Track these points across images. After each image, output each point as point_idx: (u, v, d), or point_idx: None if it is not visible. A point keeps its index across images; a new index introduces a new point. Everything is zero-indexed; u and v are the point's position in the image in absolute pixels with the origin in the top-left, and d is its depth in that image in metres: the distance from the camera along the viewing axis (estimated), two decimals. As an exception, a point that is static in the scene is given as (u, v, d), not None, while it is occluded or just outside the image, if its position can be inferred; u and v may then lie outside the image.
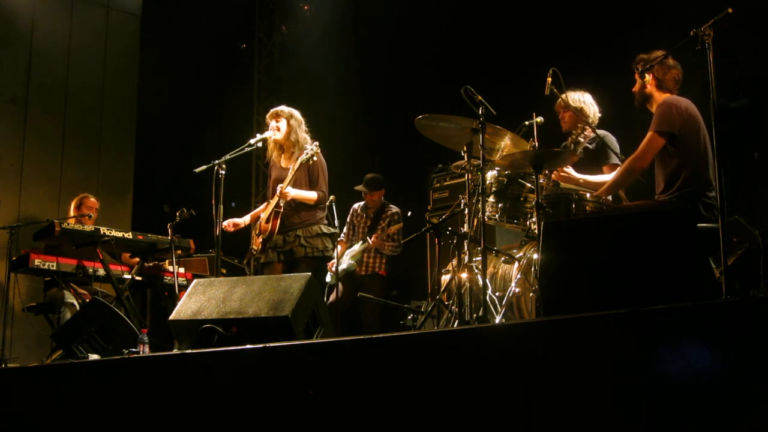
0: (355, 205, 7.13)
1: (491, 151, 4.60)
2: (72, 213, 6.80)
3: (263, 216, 5.41)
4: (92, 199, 6.91)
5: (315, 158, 5.27)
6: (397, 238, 7.00)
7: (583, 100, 5.01)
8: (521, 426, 2.55)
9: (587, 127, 4.71)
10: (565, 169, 4.63)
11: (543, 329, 2.72)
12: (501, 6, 7.55)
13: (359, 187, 7.02)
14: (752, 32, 5.54)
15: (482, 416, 2.64)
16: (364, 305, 6.69)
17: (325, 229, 5.36)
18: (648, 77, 4.31)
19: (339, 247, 6.23)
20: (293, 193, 5.29)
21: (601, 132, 4.88)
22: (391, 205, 7.18)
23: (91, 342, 4.60)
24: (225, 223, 5.40)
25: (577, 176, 4.70)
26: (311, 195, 5.36)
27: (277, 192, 5.26)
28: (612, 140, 4.92)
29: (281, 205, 5.29)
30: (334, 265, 6.39)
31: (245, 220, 5.62)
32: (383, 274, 7.04)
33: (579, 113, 4.90)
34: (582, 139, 4.74)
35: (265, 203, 5.59)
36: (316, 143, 5.34)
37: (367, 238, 6.83)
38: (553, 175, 4.72)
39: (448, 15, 7.83)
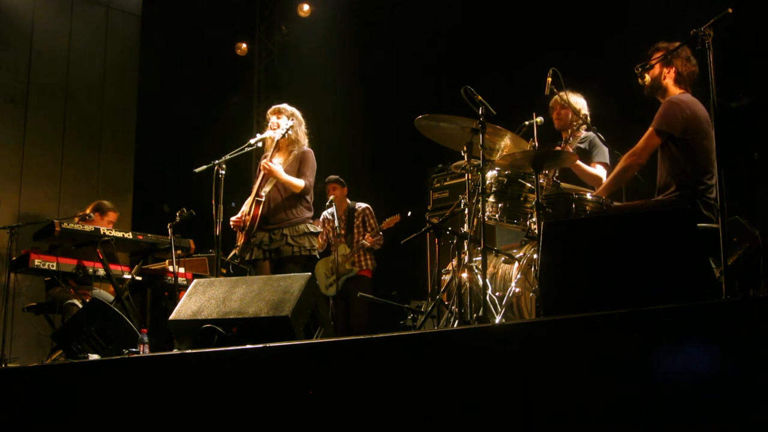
0: (324, 213, 7.14)
1: (491, 151, 4.61)
2: (93, 216, 6.58)
3: (245, 209, 5.35)
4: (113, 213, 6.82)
5: (290, 132, 5.28)
6: (379, 232, 7.08)
7: (581, 102, 5.15)
8: (521, 426, 2.55)
9: (582, 126, 4.75)
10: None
11: (543, 329, 2.72)
12: (501, 6, 7.55)
13: (332, 178, 7.17)
14: (753, 31, 5.54)
15: (482, 416, 2.64)
16: (354, 305, 6.73)
17: (311, 227, 5.33)
18: (668, 69, 4.22)
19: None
20: (282, 174, 5.23)
21: (590, 133, 5.00)
22: (358, 203, 7.22)
23: (91, 342, 4.60)
24: (233, 220, 5.35)
25: (580, 165, 4.90)
26: (299, 182, 5.28)
27: (261, 164, 5.23)
28: (599, 140, 5.02)
29: (262, 194, 5.26)
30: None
31: (240, 215, 5.49)
32: (369, 276, 7.08)
33: (577, 114, 5.01)
34: (572, 139, 4.86)
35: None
36: (293, 122, 5.35)
37: (363, 241, 6.90)
38: None
39: (449, 15, 7.83)
